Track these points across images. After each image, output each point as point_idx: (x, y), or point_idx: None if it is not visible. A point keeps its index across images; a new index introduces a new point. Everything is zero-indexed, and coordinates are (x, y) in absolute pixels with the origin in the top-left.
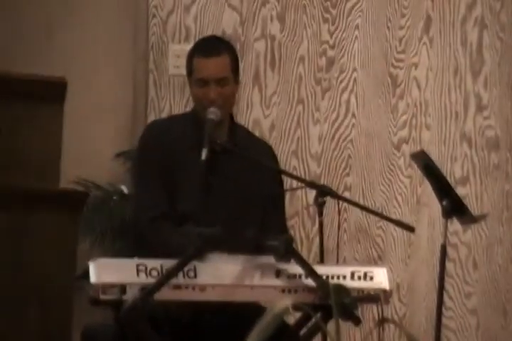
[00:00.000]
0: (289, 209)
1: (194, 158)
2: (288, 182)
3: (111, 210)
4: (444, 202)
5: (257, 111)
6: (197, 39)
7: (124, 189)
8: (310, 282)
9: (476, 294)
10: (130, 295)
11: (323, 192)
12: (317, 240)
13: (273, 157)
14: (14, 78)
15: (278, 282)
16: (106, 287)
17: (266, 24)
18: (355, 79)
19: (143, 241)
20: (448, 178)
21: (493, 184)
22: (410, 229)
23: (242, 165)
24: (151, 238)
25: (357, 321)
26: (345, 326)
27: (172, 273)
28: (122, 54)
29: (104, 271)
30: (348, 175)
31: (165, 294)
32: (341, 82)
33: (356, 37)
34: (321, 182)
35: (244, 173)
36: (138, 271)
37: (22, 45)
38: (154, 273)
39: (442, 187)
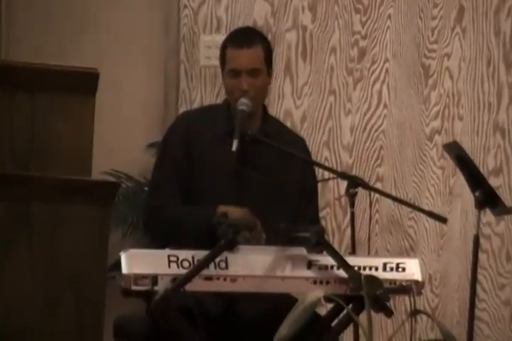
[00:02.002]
0: (320, 200)
1: (225, 148)
2: (319, 173)
3: (142, 201)
4: (477, 193)
5: (288, 102)
6: (228, 30)
7: None
8: (342, 273)
9: (509, 285)
10: (161, 286)
11: (355, 183)
12: (349, 231)
13: (306, 150)
14: (46, 69)
15: (309, 273)
16: (137, 278)
17: (297, 14)
18: (387, 70)
19: (150, 227)
20: (481, 169)
21: None
22: (443, 220)
23: (274, 157)
24: (155, 221)
25: (389, 312)
26: (377, 317)
27: (203, 264)
28: (153, 45)
29: (135, 262)
30: (379, 166)
31: (196, 285)
32: (373, 72)
33: (388, 27)
34: (353, 173)
35: (275, 164)
36: (169, 261)
37: (55, 36)
38: (186, 264)
39: (475, 178)
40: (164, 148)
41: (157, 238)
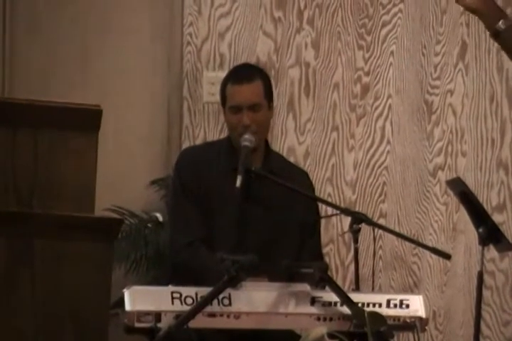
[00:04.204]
0: (324, 236)
1: (229, 184)
2: (323, 209)
3: (145, 238)
4: (481, 229)
5: (291, 138)
6: (231, 66)
7: (159, 217)
8: (345, 310)
9: None
10: (165, 323)
11: (358, 219)
12: (352, 267)
13: (309, 184)
14: (49, 107)
15: (313, 310)
16: (141, 315)
17: (300, 51)
18: (390, 106)
19: (179, 266)
20: (484, 205)
21: None
22: (446, 256)
23: (277, 192)
24: (187, 262)
25: None
26: None
27: (207, 300)
28: (157, 81)
29: (138, 299)
30: (383, 202)
31: (199, 322)
32: (376, 108)
33: (391, 63)
34: (356, 209)
35: (279, 200)
36: (173, 298)
37: (58, 73)
38: (189, 300)
39: (479, 214)
40: (177, 185)
41: (179, 271)
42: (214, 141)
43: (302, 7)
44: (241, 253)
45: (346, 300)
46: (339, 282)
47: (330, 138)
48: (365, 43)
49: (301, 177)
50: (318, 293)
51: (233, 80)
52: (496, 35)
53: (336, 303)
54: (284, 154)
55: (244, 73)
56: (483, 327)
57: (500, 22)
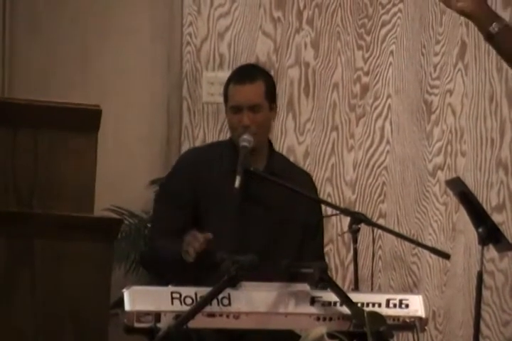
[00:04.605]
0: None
1: (229, 185)
2: (322, 209)
3: (145, 238)
4: (480, 229)
5: (291, 138)
6: (231, 66)
7: None
8: (345, 310)
9: None
10: (164, 323)
11: (358, 219)
12: (352, 267)
13: (312, 186)
14: (49, 107)
15: (312, 310)
16: (140, 315)
17: (300, 51)
18: (389, 106)
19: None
20: (484, 205)
21: None
22: (446, 256)
23: (278, 193)
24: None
25: None
26: None
27: (206, 300)
28: (156, 81)
29: (138, 299)
30: (382, 202)
31: (199, 322)
32: (376, 108)
33: (390, 63)
34: (356, 209)
35: (279, 200)
36: (172, 298)
37: (57, 73)
38: (189, 300)
39: (478, 214)
40: (167, 184)
41: (152, 273)
42: (217, 142)
43: (301, 7)
44: (241, 254)
45: (346, 300)
46: (339, 282)
47: (329, 138)
48: (365, 43)
49: (303, 178)
50: (317, 293)
51: (235, 80)
52: (490, 38)
53: (335, 303)
54: (284, 154)
55: (247, 73)
56: (482, 327)
57: (494, 24)
